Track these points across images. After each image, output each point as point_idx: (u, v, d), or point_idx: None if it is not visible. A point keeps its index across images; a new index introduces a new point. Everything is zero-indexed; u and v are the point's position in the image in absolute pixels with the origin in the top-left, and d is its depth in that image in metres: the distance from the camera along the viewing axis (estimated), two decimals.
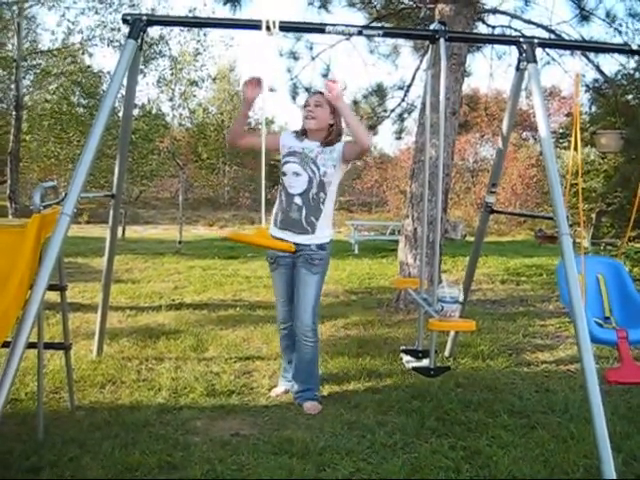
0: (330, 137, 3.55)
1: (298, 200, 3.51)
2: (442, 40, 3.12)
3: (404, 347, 3.70)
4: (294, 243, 3.38)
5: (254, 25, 3.07)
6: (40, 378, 3.14)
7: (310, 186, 3.50)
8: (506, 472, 2.77)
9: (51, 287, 2.91)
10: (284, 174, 3.56)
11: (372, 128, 10.23)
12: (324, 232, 3.58)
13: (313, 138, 3.57)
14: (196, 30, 17.52)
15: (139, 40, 3.08)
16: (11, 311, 2.50)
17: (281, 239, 3.45)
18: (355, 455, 2.94)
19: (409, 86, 9.29)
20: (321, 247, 3.56)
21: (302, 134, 3.63)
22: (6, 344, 2.52)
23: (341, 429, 3.27)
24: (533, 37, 3.27)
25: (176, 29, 17.25)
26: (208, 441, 3.09)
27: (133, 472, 2.72)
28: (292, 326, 3.70)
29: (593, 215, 14.31)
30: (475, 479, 2.73)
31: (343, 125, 3.57)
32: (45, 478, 2.61)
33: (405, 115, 10.22)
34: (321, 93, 3.56)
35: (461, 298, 3.53)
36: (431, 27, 3.23)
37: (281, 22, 3.05)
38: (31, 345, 2.77)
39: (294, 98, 9.12)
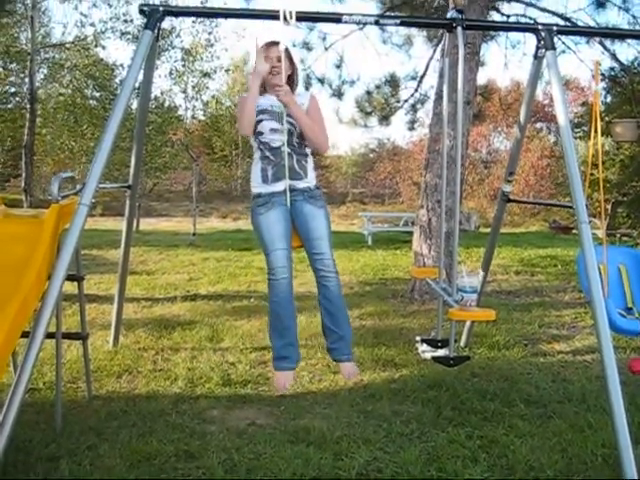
0: (291, 88, 3.40)
1: (285, 149, 3.36)
2: (460, 28, 3.08)
3: (421, 337, 3.68)
4: (291, 189, 3.35)
5: (272, 15, 3.07)
6: (58, 368, 3.16)
7: (291, 137, 3.37)
8: (523, 461, 2.76)
9: (69, 277, 2.92)
10: (261, 133, 3.38)
11: (385, 119, 10.23)
12: (313, 175, 3.48)
13: (273, 93, 3.36)
14: (208, 22, 17.50)
15: (156, 31, 3.08)
16: (29, 301, 2.50)
17: (273, 192, 3.36)
18: (372, 444, 2.94)
19: (422, 76, 9.29)
20: (317, 187, 3.48)
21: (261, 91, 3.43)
22: (25, 334, 2.53)
23: (357, 418, 3.27)
24: (552, 24, 3.24)
25: (188, 20, 17.25)
26: (224, 430, 3.10)
27: (151, 460, 2.74)
28: (291, 273, 3.31)
29: (608, 206, 14.19)
30: (493, 468, 2.72)
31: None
32: (64, 466, 2.63)
33: (418, 106, 10.22)
34: (276, 44, 3.34)
35: (479, 288, 3.52)
36: (448, 15, 3.20)
37: (298, 12, 3.04)
38: (49, 335, 2.79)
39: (307, 89, 9.14)
